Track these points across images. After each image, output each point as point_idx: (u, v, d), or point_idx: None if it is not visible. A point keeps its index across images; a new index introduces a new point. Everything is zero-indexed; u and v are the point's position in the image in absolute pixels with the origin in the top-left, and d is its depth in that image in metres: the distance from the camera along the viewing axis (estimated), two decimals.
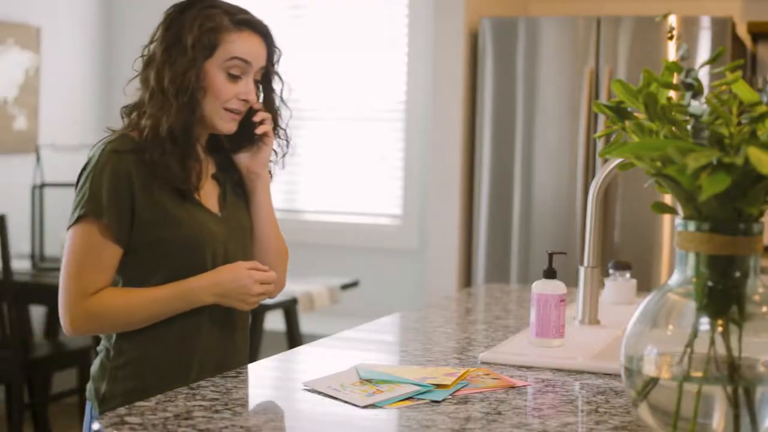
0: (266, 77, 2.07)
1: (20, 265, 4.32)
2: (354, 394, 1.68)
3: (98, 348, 2.03)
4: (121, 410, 1.58)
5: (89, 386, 2.00)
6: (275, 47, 2.06)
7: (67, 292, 1.94)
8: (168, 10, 1.99)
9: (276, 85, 2.10)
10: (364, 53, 5.05)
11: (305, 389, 1.73)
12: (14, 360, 3.89)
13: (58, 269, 4.19)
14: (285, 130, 2.14)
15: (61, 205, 4.69)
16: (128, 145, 1.93)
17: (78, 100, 5.23)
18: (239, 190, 2.09)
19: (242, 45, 1.97)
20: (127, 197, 1.90)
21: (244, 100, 1.99)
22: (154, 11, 6.11)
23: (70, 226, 1.93)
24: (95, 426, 1.52)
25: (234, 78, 1.97)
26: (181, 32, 1.94)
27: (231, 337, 2.03)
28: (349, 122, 5.11)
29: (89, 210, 1.90)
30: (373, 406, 1.63)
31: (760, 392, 1.33)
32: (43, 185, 4.38)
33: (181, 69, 1.92)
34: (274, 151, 2.13)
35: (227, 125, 1.99)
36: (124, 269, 1.95)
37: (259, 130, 2.03)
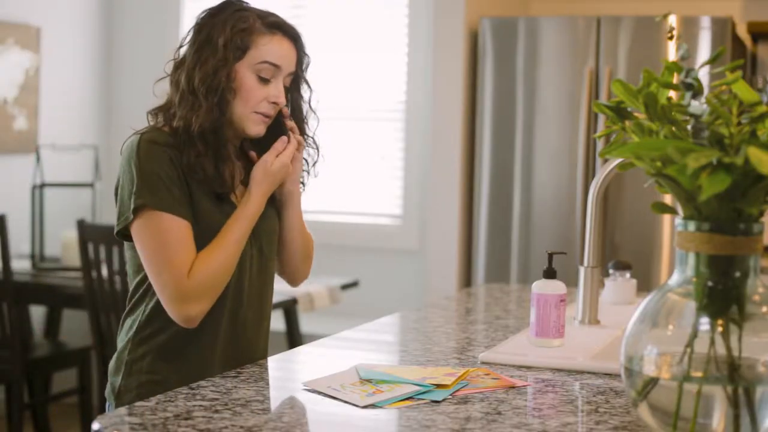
0: (295, 83, 2.07)
1: (20, 265, 4.32)
2: (354, 394, 1.68)
3: (118, 341, 2.02)
4: (122, 410, 1.58)
5: (108, 385, 2.00)
6: (305, 53, 2.07)
7: (168, 286, 1.89)
8: (200, 14, 2.01)
9: (305, 92, 2.10)
10: (364, 53, 5.05)
11: (305, 389, 1.73)
12: (14, 360, 3.89)
13: (58, 269, 4.26)
14: (313, 138, 2.16)
15: (61, 204, 4.69)
16: (164, 138, 1.93)
17: (78, 100, 5.23)
18: (270, 200, 2.09)
19: (273, 49, 1.98)
20: (176, 176, 1.91)
21: (273, 104, 1.99)
22: (154, 11, 6.10)
23: (131, 223, 1.91)
24: (95, 426, 1.52)
25: (264, 81, 1.98)
26: (212, 33, 1.96)
27: (251, 334, 2.03)
28: (349, 122, 5.11)
29: (145, 201, 1.88)
30: (373, 406, 1.63)
31: (760, 392, 1.33)
32: (43, 185, 4.38)
33: (212, 68, 1.93)
34: (305, 160, 2.14)
35: (256, 128, 2.00)
36: None
37: (291, 142, 2.05)
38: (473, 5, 4.39)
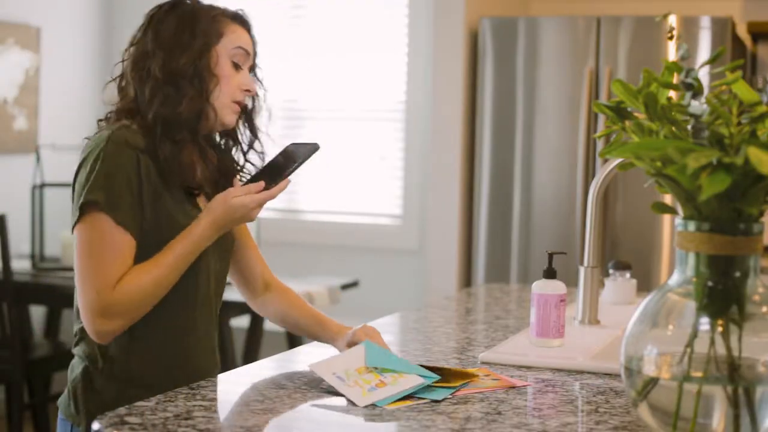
0: (254, 75, 2.04)
1: (20, 265, 4.32)
2: (356, 388, 1.67)
3: (74, 359, 1.95)
4: (122, 410, 1.58)
5: (64, 401, 1.95)
6: (257, 48, 2.03)
7: (89, 292, 1.81)
8: (151, 10, 1.96)
9: (258, 89, 2.05)
10: (364, 53, 5.05)
11: (309, 370, 1.72)
12: (14, 360, 3.89)
13: (58, 269, 4.26)
14: (260, 140, 2.07)
15: (61, 205, 4.69)
16: (135, 139, 1.86)
17: (78, 100, 5.23)
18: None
19: (240, 35, 1.96)
20: (137, 186, 1.83)
21: (246, 91, 1.97)
22: None
23: (77, 221, 1.84)
24: (95, 426, 1.51)
25: (237, 67, 1.95)
26: (183, 22, 1.91)
27: (208, 341, 2.01)
28: (349, 122, 5.11)
29: (98, 199, 1.81)
30: (373, 405, 1.63)
31: (760, 392, 1.33)
32: (43, 185, 4.38)
33: (197, 53, 1.89)
34: (240, 145, 2.06)
35: (232, 117, 1.96)
36: None
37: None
38: (473, 5, 4.39)
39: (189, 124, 1.89)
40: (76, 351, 1.94)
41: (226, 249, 2.02)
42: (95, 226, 1.82)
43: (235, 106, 1.95)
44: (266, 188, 1.89)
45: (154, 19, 1.95)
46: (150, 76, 1.90)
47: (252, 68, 2.02)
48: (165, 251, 1.85)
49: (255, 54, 2.02)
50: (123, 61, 1.97)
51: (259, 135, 2.06)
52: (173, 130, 1.88)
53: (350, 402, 1.65)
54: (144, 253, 1.86)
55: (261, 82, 2.05)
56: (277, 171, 1.91)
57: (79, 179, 1.86)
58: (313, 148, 1.90)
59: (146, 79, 1.90)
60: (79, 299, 1.84)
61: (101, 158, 1.83)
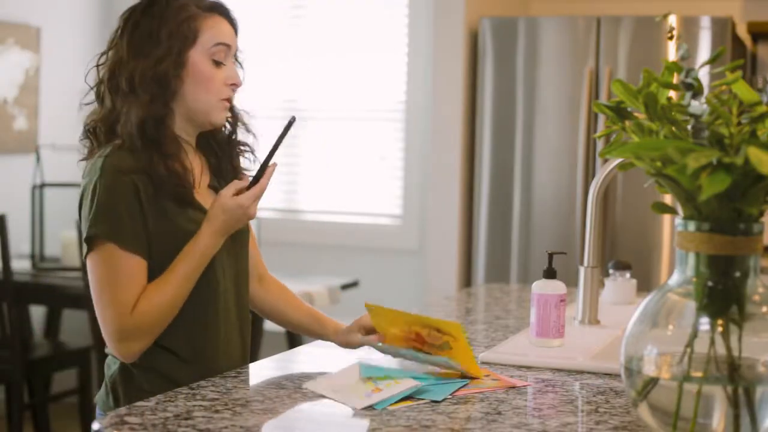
0: (237, 62, 2.01)
1: (20, 265, 4.32)
2: (352, 395, 1.67)
3: (108, 357, 1.97)
4: (122, 410, 1.58)
5: (101, 397, 1.96)
6: (238, 29, 2.01)
7: (110, 320, 1.84)
8: (125, 13, 1.94)
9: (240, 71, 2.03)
10: (364, 53, 5.05)
11: (309, 371, 1.73)
12: (14, 360, 3.89)
13: (58, 269, 4.26)
14: (242, 116, 2.06)
15: (61, 205, 4.69)
16: (128, 162, 1.85)
17: (78, 100, 5.22)
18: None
19: (221, 29, 1.93)
20: (138, 210, 1.84)
21: (232, 86, 1.95)
22: None
23: (87, 253, 1.85)
24: (95, 426, 1.52)
25: (218, 64, 1.93)
26: (152, 27, 1.88)
27: (236, 339, 2.02)
28: (349, 122, 5.11)
29: (103, 231, 1.82)
30: (371, 407, 1.63)
31: (760, 392, 1.33)
32: (43, 185, 4.38)
33: (153, 60, 1.86)
34: (243, 145, 2.06)
35: (222, 115, 1.95)
36: None
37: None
38: (473, 5, 4.38)
39: (150, 129, 1.86)
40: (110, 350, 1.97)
41: (242, 242, 2.02)
42: (103, 256, 1.84)
43: (224, 104, 1.95)
44: (254, 182, 1.89)
45: (128, 22, 1.92)
46: (120, 88, 1.89)
47: (235, 56, 1.99)
48: (174, 267, 1.86)
49: (237, 36, 1.98)
50: (98, 65, 1.95)
51: (238, 112, 2.04)
52: (142, 139, 1.86)
53: (348, 405, 1.65)
54: (158, 265, 1.87)
55: (240, 65, 2.01)
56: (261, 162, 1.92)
57: (83, 212, 1.87)
58: (289, 123, 1.90)
59: (116, 90, 1.90)
60: (101, 327, 1.87)
61: (98, 191, 1.84)
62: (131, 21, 1.91)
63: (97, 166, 1.86)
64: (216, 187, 1.98)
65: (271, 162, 1.90)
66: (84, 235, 1.85)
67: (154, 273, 1.87)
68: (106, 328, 1.85)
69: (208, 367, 1.91)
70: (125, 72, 1.89)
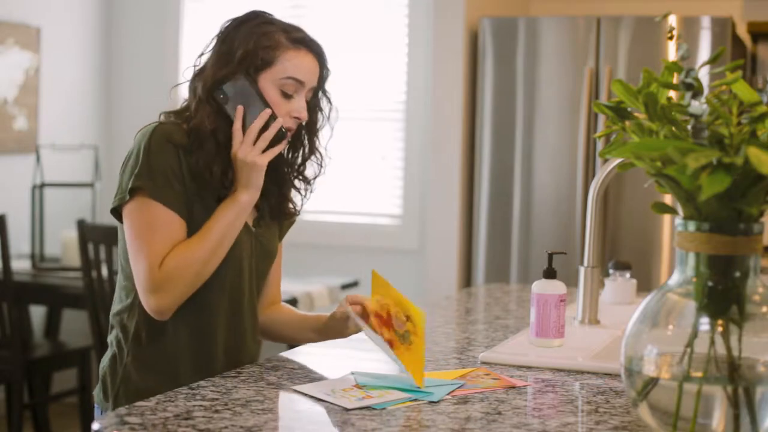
0: (315, 97, 2.06)
1: (20, 265, 4.32)
2: (343, 399, 1.67)
3: (109, 344, 2.00)
4: (122, 410, 1.58)
5: (96, 389, 1.99)
6: (327, 68, 2.06)
7: (140, 271, 1.87)
8: (225, 23, 2.00)
9: (324, 105, 2.09)
10: (364, 53, 5.05)
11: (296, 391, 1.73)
12: (14, 360, 3.89)
13: (58, 269, 4.26)
14: (320, 152, 2.14)
15: (62, 205, 4.69)
16: (179, 136, 1.92)
17: (78, 100, 5.23)
18: (275, 214, 2.09)
19: (298, 64, 1.97)
20: (180, 176, 1.90)
21: (296, 118, 1.99)
22: (153, 12, 6.10)
23: (125, 204, 1.89)
24: (95, 426, 1.52)
25: (287, 96, 1.97)
26: (233, 45, 1.95)
27: (242, 341, 2.03)
28: (349, 122, 5.11)
29: (146, 186, 1.87)
30: (367, 408, 1.63)
31: (760, 392, 1.33)
32: (43, 185, 4.38)
33: (221, 77, 1.93)
34: (303, 178, 2.12)
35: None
36: None
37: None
38: (473, 5, 4.39)
39: (218, 137, 1.93)
40: (109, 339, 2.01)
41: (269, 251, 2.08)
42: (142, 207, 1.88)
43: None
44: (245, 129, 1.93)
45: (222, 34, 1.99)
46: (196, 92, 1.97)
47: (317, 90, 2.04)
48: (207, 227, 1.89)
49: (321, 78, 2.03)
50: (194, 66, 2.02)
51: (318, 149, 2.12)
52: (205, 141, 1.93)
53: (339, 405, 1.64)
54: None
55: (327, 101, 2.07)
56: (252, 106, 1.94)
57: (126, 169, 1.92)
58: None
59: (193, 92, 1.98)
60: (135, 279, 1.90)
61: (145, 152, 1.89)
62: (225, 32, 1.98)
63: (148, 130, 1.92)
64: (258, 206, 2.04)
65: (264, 110, 1.93)
66: (128, 187, 1.88)
67: None
68: (139, 279, 1.88)
69: (202, 365, 1.94)
70: (202, 80, 1.96)
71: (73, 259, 4.22)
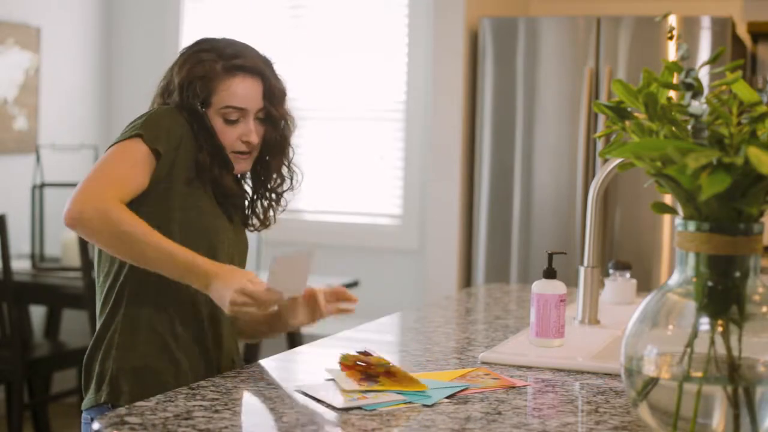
0: (269, 118, 2.04)
1: (20, 265, 4.32)
2: (338, 397, 1.67)
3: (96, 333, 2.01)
4: (122, 410, 1.58)
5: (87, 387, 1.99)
6: (276, 84, 2.04)
7: (96, 181, 1.87)
8: (182, 50, 2.05)
9: (278, 123, 2.06)
10: (364, 53, 5.05)
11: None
12: (14, 360, 3.89)
13: (58, 269, 4.26)
14: (290, 166, 2.11)
15: (61, 205, 4.69)
16: (182, 117, 1.97)
17: (78, 100, 5.23)
18: (245, 225, 2.12)
19: (234, 92, 1.97)
20: (177, 139, 1.93)
21: (246, 142, 2.00)
22: (153, 12, 6.09)
23: (114, 144, 1.92)
24: (95, 426, 1.52)
25: (232, 122, 1.99)
26: (171, 76, 2.00)
27: (226, 332, 2.04)
28: (349, 122, 5.11)
29: (143, 133, 1.90)
30: (359, 408, 1.62)
31: (760, 392, 1.33)
32: (43, 185, 4.38)
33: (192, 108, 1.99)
34: (275, 195, 2.13)
35: (238, 166, 2.02)
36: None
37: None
38: (473, 5, 4.39)
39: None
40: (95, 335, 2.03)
41: (246, 244, 2.11)
42: (128, 145, 1.90)
43: (236, 156, 2.01)
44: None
45: (178, 61, 2.02)
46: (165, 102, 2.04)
47: (267, 111, 2.02)
48: (174, 243, 1.85)
49: (270, 96, 2.02)
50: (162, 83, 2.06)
51: (285, 165, 2.10)
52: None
53: (329, 404, 1.64)
54: (158, 213, 1.92)
55: (284, 120, 2.06)
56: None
57: (130, 123, 1.95)
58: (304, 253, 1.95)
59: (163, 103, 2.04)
60: (81, 184, 1.87)
61: (156, 111, 1.95)
62: (179, 61, 2.02)
63: (162, 106, 1.99)
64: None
65: (289, 294, 1.91)
66: (124, 135, 1.92)
67: (152, 214, 1.90)
68: (87, 185, 1.86)
69: (178, 356, 1.94)
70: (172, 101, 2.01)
71: (73, 259, 4.22)
